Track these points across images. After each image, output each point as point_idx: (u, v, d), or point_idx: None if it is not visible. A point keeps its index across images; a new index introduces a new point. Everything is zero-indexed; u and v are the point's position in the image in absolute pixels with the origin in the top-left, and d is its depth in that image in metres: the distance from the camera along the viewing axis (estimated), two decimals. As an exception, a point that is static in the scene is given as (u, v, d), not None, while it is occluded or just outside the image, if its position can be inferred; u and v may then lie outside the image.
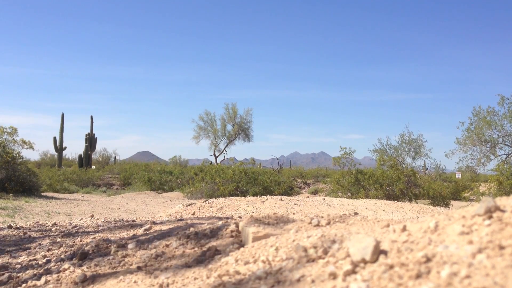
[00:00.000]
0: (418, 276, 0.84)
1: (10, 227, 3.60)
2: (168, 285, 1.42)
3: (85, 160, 31.04)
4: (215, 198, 9.47)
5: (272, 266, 1.20)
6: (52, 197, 13.40)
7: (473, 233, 0.96)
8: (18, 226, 3.74)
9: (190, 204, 7.54)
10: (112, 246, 2.14)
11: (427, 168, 21.53)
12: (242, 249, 1.52)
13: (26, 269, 2.08)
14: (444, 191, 14.39)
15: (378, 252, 0.99)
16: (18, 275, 1.96)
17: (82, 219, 3.82)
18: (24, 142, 13.95)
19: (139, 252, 1.95)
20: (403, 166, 17.31)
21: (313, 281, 0.99)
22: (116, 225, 3.13)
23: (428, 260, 0.89)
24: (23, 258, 2.33)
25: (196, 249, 1.84)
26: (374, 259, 0.98)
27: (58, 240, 2.76)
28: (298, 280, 1.01)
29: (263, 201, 7.91)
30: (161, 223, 2.78)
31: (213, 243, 1.86)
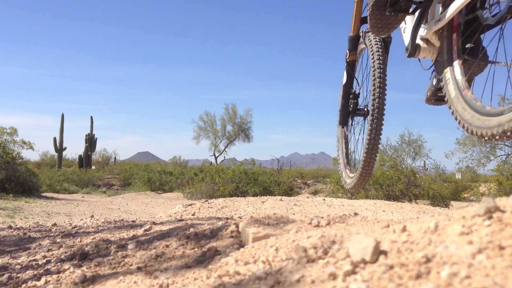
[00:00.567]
0: (418, 276, 0.84)
1: (10, 227, 3.61)
2: (168, 285, 1.42)
3: (85, 160, 31.05)
4: (215, 198, 9.47)
5: (272, 266, 1.20)
6: (52, 198, 13.40)
7: (473, 233, 0.96)
8: (18, 226, 3.74)
9: (190, 205, 7.54)
10: (112, 247, 2.14)
11: (427, 169, 21.53)
12: (242, 249, 1.52)
13: (26, 269, 2.08)
14: (444, 192, 14.40)
15: (378, 252, 0.99)
16: (18, 275, 1.96)
17: (82, 219, 3.82)
18: (24, 142, 13.96)
19: (139, 253, 1.95)
20: (403, 166, 17.32)
21: (313, 282, 0.99)
22: (116, 225, 3.13)
23: (428, 260, 0.89)
24: (23, 259, 2.33)
25: (196, 249, 1.84)
26: (374, 260, 0.98)
27: (58, 240, 2.76)
28: (298, 281, 1.01)
29: (263, 202, 7.91)
30: (161, 223, 2.78)
31: (213, 243, 1.86)
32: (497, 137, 1.39)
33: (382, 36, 2.26)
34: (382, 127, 2.24)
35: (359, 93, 2.74)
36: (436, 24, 1.80)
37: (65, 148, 31.55)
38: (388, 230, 1.26)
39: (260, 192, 14.37)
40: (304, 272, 1.06)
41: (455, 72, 1.72)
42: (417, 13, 1.94)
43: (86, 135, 32.01)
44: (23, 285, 1.80)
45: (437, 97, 2.05)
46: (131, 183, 24.54)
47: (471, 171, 15.96)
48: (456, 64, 1.72)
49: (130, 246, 2.06)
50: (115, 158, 40.70)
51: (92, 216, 3.98)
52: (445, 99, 1.75)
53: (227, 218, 2.79)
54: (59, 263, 2.10)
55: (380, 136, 2.26)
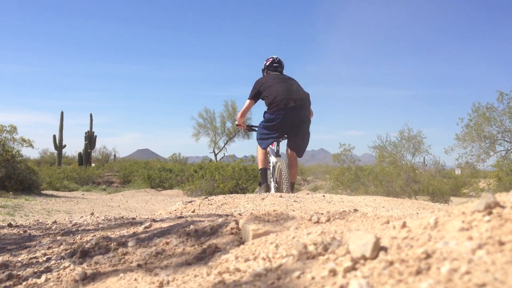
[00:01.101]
0: (418, 272, 0.84)
1: (10, 225, 3.61)
2: (168, 282, 1.42)
3: (84, 158, 31.04)
4: (215, 195, 9.46)
5: (272, 263, 1.20)
6: (52, 195, 13.41)
7: (473, 229, 0.96)
8: (18, 224, 3.74)
9: (190, 202, 7.55)
10: (112, 244, 2.14)
11: (426, 165, 21.53)
12: (242, 246, 1.53)
13: (27, 267, 2.08)
14: (443, 187, 14.41)
15: (378, 248, 0.99)
16: (19, 273, 1.96)
17: (82, 217, 3.82)
18: (23, 140, 13.94)
19: (139, 250, 1.95)
20: (403, 162, 17.32)
21: (313, 278, 0.99)
22: (116, 223, 3.13)
23: (428, 256, 0.89)
24: (24, 256, 2.33)
25: (196, 246, 1.84)
26: (374, 256, 0.98)
27: (58, 238, 2.76)
28: (298, 277, 1.02)
29: (263, 198, 7.91)
30: (161, 220, 2.78)
31: (213, 240, 1.86)
32: None
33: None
34: None
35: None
36: None
37: (65, 145, 31.52)
38: (388, 226, 1.26)
39: (260, 189, 14.35)
40: (304, 268, 1.06)
41: None
42: None
43: (86, 133, 31.98)
44: (24, 283, 1.80)
45: None
46: (131, 181, 24.54)
47: (470, 167, 15.96)
48: None
49: (130, 244, 2.06)
50: (114, 155, 40.70)
51: (92, 214, 3.98)
52: None
53: (227, 215, 2.80)
54: (59, 261, 2.10)
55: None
